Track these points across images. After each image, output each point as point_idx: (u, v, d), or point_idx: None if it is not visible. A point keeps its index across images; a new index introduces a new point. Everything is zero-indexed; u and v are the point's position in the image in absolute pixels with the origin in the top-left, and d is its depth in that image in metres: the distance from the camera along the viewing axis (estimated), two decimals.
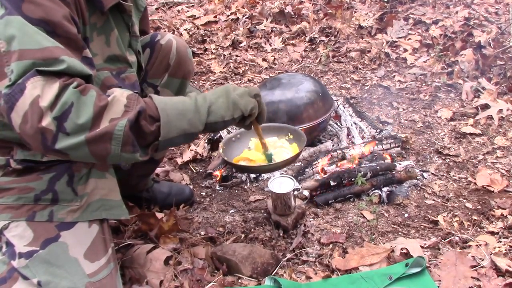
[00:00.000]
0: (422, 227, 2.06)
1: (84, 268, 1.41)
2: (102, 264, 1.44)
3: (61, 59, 1.20)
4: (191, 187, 2.36)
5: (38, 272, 1.37)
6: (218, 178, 2.39)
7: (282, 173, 2.30)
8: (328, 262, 1.83)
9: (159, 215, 1.97)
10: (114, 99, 1.26)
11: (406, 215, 2.14)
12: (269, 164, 1.78)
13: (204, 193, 2.35)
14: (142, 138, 1.30)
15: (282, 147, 1.90)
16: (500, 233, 1.97)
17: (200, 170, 2.54)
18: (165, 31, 4.13)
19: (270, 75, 3.60)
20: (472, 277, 1.72)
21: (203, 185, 2.41)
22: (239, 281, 1.75)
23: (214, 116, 1.42)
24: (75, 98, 1.20)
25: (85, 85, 1.24)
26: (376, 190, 2.25)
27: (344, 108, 2.82)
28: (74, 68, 1.23)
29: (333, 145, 2.54)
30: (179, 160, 2.60)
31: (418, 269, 1.73)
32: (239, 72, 3.66)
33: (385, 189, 2.25)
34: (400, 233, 2.02)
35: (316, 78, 3.35)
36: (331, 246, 1.93)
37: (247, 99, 1.51)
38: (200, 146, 2.66)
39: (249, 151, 1.91)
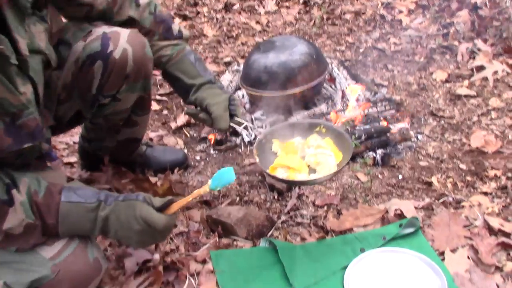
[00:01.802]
0: (416, 188, 2.07)
1: (42, 254, 1.37)
2: (64, 244, 1.39)
3: None
4: (185, 151, 2.36)
5: (0, 274, 1.35)
6: (212, 142, 2.39)
7: None
8: (323, 223, 1.84)
9: (153, 179, 1.97)
10: (9, 229, 1.27)
11: (400, 176, 2.15)
12: (317, 178, 1.60)
13: (198, 157, 2.34)
14: None
15: (320, 147, 1.68)
16: (493, 194, 1.98)
17: (194, 135, 2.53)
18: None
19: (264, 38, 3.56)
20: (465, 237, 1.74)
21: (197, 149, 2.40)
22: (235, 243, 1.76)
23: (122, 240, 1.46)
24: None
25: None
26: (371, 153, 2.25)
27: (339, 71, 2.80)
28: None
29: (327, 108, 2.53)
30: (173, 125, 2.58)
31: (411, 230, 1.75)
32: (232, 36, 3.61)
33: (379, 151, 2.25)
34: (394, 194, 2.03)
35: (310, 40, 3.31)
36: (325, 208, 1.93)
37: (162, 229, 1.39)
38: None
39: (286, 156, 1.68)
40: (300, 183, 1.61)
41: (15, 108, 1.27)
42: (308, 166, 1.67)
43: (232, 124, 1.74)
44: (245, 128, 1.78)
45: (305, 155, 1.71)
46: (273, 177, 1.64)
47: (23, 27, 1.33)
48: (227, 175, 1.40)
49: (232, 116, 1.73)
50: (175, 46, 1.78)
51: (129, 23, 1.71)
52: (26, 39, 1.33)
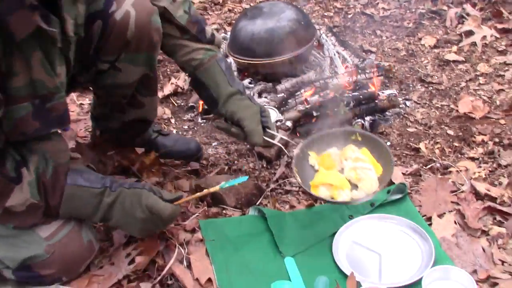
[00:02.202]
0: (404, 154, 2.08)
1: (39, 232, 1.37)
2: (60, 224, 1.40)
3: None
4: (173, 121, 2.33)
5: None
6: (200, 111, 2.37)
7: (265, 104, 2.28)
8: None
9: (139, 150, 1.94)
10: (11, 206, 1.27)
11: (388, 143, 2.15)
12: (363, 197, 1.53)
13: (186, 127, 2.33)
14: None
15: (359, 160, 1.61)
16: (480, 159, 2.00)
17: (182, 104, 2.50)
18: None
19: (251, 4, 3.49)
20: (452, 202, 1.76)
21: (184, 118, 2.38)
22: (224, 212, 1.76)
23: (122, 228, 1.50)
24: None
25: None
26: (359, 119, 2.24)
27: (327, 37, 2.76)
28: None
29: (316, 75, 2.51)
30: (160, 94, 2.54)
31: (399, 196, 1.76)
32: (219, 2, 3.54)
33: (368, 118, 2.25)
34: None
35: (298, 6, 3.25)
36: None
37: (160, 222, 1.46)
38: (181, 79, 2.60)
39: (326, 173, 1.60)
40: (347, 203, 1.56)
41: (47, 90, 1.25)
42: (349, 180, 1.60)
43: (265, 138, 1.62)
44: (281, 143, 1.68)
45: (343, 168, 1.63)
46: (319, 199, 1.60)
47: (75, 7, 1.33)
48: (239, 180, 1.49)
49: (264, 128, 1.62)
50: (207, 51, 1.65)
51: (163, 15, 1.58)
52: (73, 19, 1.32)
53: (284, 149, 1.72)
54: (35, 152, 1.31)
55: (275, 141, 1.63)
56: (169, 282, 1.47)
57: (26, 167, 1.29)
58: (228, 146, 2.15)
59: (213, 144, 2.18)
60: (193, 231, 1.64)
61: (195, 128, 2.31)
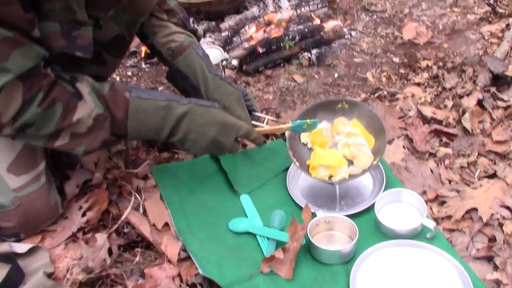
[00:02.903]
0: (352, 85, 2.09)
1: (8, 182, 1.33)
2: (31, 179, 1.36)
3: (5, 66, 1.08)
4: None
5: None
6: (142, 56, 2.28)
7: (210, 44, 2.22)
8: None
9: None
10: (79, 120, 1.24)
11: (336, 75, 2.15)
12: (359, 173, 1.51)
13: (130, 73, 2.25)
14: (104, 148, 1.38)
15: (351, 135, 1.58)
16: (425, 84, 2.03)
17: None
18: None
19: None
20: (400, 128, 1.79)
21: (127, 64, 2.30)
22: (175, 156, 1.74)
23: (186, 144, 1.41)
24: (38, 118, 1.18)
25: (52, 96, 1.18)
26: (306, 53, 2.22)
27: None
28: (25, 67, 1.12)
29: (259, 11, 2.45)
30: None
31: None
32: None
33: (314, 51, 2.23)
34: (331, 93, 2.04)
35: None
36: (264, 112, 1.92)
37: (230, 142, 1.44)
38: None
39: (321, 153, 1.56)
40: (346, 181, 1.52)
41: (76, 20, 1.23)
42: (344, 156, 1.57)
43: (253, 122, 1.59)
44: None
45: (336, 143, 1.61)
46: (319, 180, 1.55)
47: None
48: (311, 126, 1.51)
49: (250, 112, 1.60)
50: (188, 36, 1.64)
51: None
52: None
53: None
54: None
55: (264, 124, 1.60)
56: (125, 230, 1.45)
57: (80, 82, 1.27)
58: (175, 90, 2.09)
59: (160, 88, 2.13)
60: (145, 177, 1.62)
61: (139, 74, 2.24)
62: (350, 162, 1.56)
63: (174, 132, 1.38)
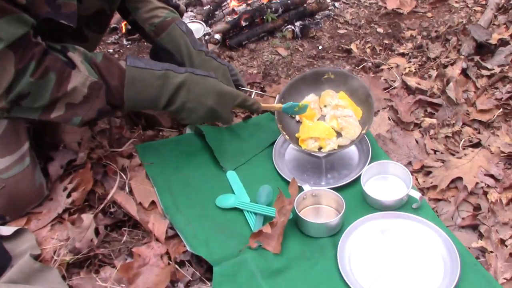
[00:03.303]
0: (336, 57, 2.07)
1: None
2: (15, 160, 1.34)
3: None
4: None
5: None
6: (123, 32, 2.24)
7: (191, 19, 2.19)
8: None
9: None
10: (74, 89, 1.22)
11: (320, 47, 2.13)
12: (348, 144, 1.52)
13: (111, 50, 2.21)
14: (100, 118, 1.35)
15: (338, 107, 1.58)
16: (410, 54, 2.02)
17: None
18: None
19: None
20: (385, 99, 1.79)
21: (109, 41, 2.26)
22: (160, 133, 1.72)
23: (182, 114, 1.41)
24: (32, 88, 1.17)
25: (44, 65, 1.17)
26: (289, 26, 2.20)
27: None
28: (16, 36, 1.11)
29: None
30: None
31: None
32: None
33: (297, 23, 2.21)
34: (315, 65, 2.03)
35: None
36: (248, 87, 1.90)
37: (226, 112, 1.45)
38: None
39: (310, 126, 1.56)
40: (335, 151, 1.52)
41: None
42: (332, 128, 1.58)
43: None
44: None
45: (324, 115, 1.61)
46: (309, 152, 1.55)
47: None
48: (302, 109, 1.54)
49: (237, 87, 1.59)
50: (171, 12, 1.62)
51: None
52: None
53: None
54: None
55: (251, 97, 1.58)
56: (112, 210, 1.45)
57: (71, 52, 1.25)
58: None
59: None
60: (130, 156, 1.60)
61: (121, 51, 2.20)
62: (339, 134, 1.56)
63: (172, 101, 1.37)
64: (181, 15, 1.72)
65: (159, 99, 1.35)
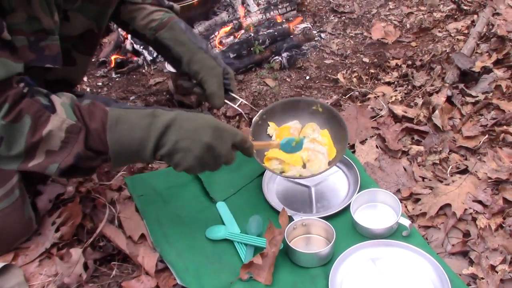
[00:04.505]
0: (324, 86, 2.10)
1: None
2: (5, 192, 1.33)
3: None
4: (85, 78, 2.22)
5: None
6: (112, 65, 2.26)
7: None
8: None
9: None
10: (49, 134, 1.11)
11: (307, 77, 2.16)
12: (309, 175, 1.50)
13: (100, 83, 2.22)
14: (81, 172, 1.21)
15: (315, 142, 1.57)
16: (395, 82, 2.05)
17: (93, 60, 2.38)
18: None
19: None
20: (372, 127, 1.81)
21: (97, 74, 2.27)
22: (149, 165, 1.72)
23: (176, 156, 1.20)
24: (5, 132, 1.08)
25: (18, 108, 1.08)
26: (276, 57, 2.23)
27: None
28: None
29: (228, 16, 2.45)
30: None
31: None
32: None
33: (284, 54, 2.24)
34: (303, 95, 2.05)
35: None
36: (237, 118, 1.92)
37: (226, 149, 1.23)
38: None
39: (278, 151, 1.51)
40: (294, 178, 1.53)
41: (42, 29, 1.20)
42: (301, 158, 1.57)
43: (226, 101, 1.57)
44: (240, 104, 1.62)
45: None
46: (270, 171, 1.52)
47: None
48: (298, 146, 1.45)
49: (226, 91, 1.57)
50: (166, 12, 1.61)
51: None
52: None
53: (244, 114, 1.71)
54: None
55: (236, 106, 1.60)
56: (101, 243, 1.43)
57: (56, 95, 1.17)
58: (147, 98, 2.08)
59: (131, 98, 2.11)
60: (119, 189, 1.60)
61: (110, 84, 2.21)
62: (304, 164, 1.56)
63: (162, 142, 1.18)
64: (177, 14, 1.69)
65: (147, 141, 1.17)
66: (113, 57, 2.27)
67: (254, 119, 1.60)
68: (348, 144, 1.66)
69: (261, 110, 1.62)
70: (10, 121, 1.07)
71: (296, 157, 1.54)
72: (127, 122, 1.17)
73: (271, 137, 1.62)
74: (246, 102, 1.73)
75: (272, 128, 1.63)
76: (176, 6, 1.71)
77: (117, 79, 2.24)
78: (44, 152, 1.13)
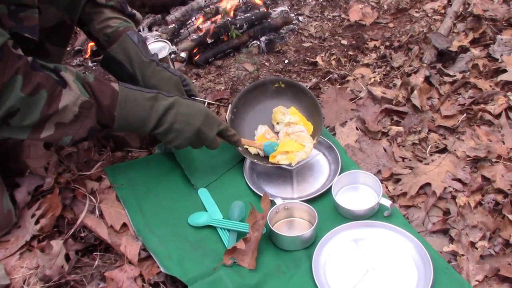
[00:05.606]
0: (303, 70, 2.09)
1: None
2: None
3: None
4: None
5: None
6: (88, 54, 2.22)
7: (157, 38, 2.18)
8: None
9: None
10: (65, 108, 1.23)
11: (286, 61, 2.15)
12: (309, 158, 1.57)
13: None
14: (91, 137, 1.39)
15: (291, 124, 1.62)
16: (374, 64, 2.06)
17: (68, 49, 2.33)
18: None
19: None
20: (352, 109, 1.81)
21: (73, 63, 2.24)
22: (129, 154, 1.71)
23: (170, 135, 1.41)
24: (23, 104, 1.17)
25: (35, 81, 1.18)
26: (255, 41, 2.22)
27: None
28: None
29: (205, 1, 2.42)
30: None
31: None
32: None
33: (263, 38, 2.23)
34: None
35: None
36: (216, 105, 1.91)
37: (212, 135, 1.44)
38: None
39: (282, 143, 1.58)
40: (291, 166, 1.55)
41: (21, 2, 1.24)
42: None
43: None
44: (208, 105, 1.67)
45: (278, 132, 1.65)
46: (280, 167, 1.56)
47: None
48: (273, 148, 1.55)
49: (189, 96, 1.58)
50: (124, 21, 1.61)
51: None
52: None
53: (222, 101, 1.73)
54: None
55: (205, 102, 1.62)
56: (82, 234, 1.42)
57: (64, 71, 1.26)
58: None
59: None
60: (99, 179, 1.58)
61: (86, 73, 2.17)
62: None
63: (161, 122, 1.38)
64: (137, 24, 1.72)
65: (148, 120, 1.37)
66: (89, 45, 2.23)
67: (227, 116, 1.63)
68: (325, 125, 1.67)
69: (229, 106, 1.64)
70: (28, 94, 1.17)
71: (295, 144, 1.56)
72: (134, 101, 1.34)
73: (258, 154, 1.62)
74: (210, 101, 1.77)
75: (252, 149, 1.62)
76: (138, 15, 1.71)
77: (93, 67, 2.21)
78: (54, 124, 1.24)
